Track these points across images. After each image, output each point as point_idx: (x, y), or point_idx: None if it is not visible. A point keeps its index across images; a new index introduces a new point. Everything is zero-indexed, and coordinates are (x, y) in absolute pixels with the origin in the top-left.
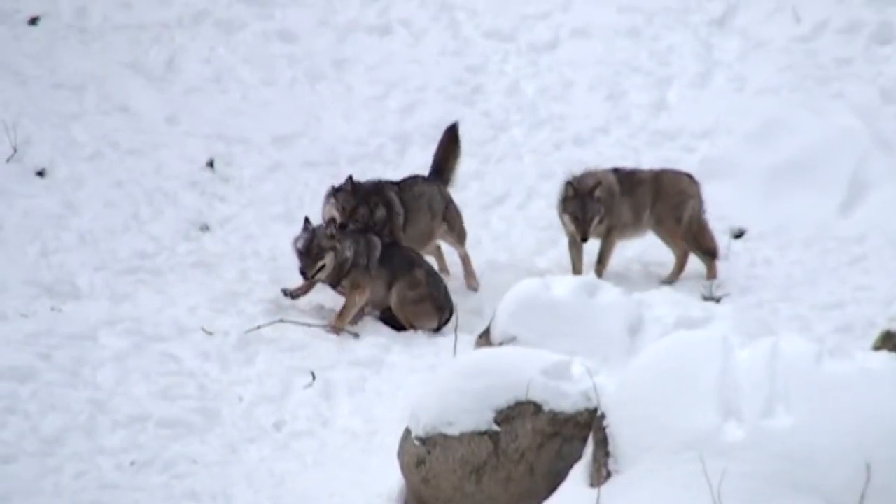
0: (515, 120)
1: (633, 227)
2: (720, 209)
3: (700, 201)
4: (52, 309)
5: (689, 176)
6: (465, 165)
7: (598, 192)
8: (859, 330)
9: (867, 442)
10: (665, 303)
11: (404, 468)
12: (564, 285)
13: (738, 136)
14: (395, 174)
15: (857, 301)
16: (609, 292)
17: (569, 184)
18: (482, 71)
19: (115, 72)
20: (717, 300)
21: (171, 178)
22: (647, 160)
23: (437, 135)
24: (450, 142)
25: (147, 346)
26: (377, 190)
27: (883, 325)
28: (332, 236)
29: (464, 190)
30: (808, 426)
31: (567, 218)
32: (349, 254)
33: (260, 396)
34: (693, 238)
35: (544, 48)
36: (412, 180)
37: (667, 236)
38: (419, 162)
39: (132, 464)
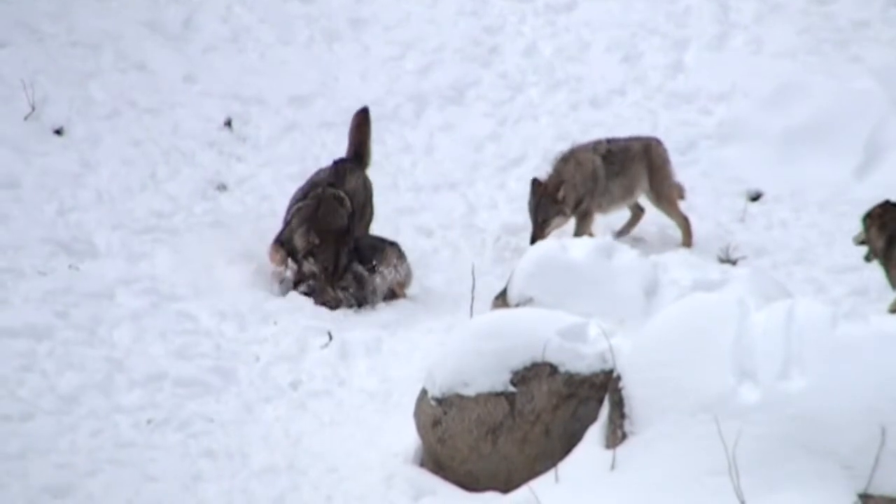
0: (532, 81)
1: (621, 201)
2: (736, 172)
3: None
4: (70, 267)
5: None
6: (482, 127)
7: (561, 193)
8: (874, 293)
9: (882, 405)
10: (681, 265)
11: (420, 428)
12: (581, 247)
13: (755, 98)
14: (413, 134)
15: (872, 264)
16: (626, 254)
17: (534, 180)
18: (499, 31)
19: (132, 30)
20: (734, 262)
21: (189, 137)
22: (664, 122)
23: (455, 95)
24: (364, 124)
25: (164, 305)
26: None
27: None
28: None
29: (480, 151)
30: (823, 389)
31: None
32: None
33: (276, 356)
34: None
35: (561, 9)
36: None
37: (668, 207)
38: (436, 122)
39: (149, 422)
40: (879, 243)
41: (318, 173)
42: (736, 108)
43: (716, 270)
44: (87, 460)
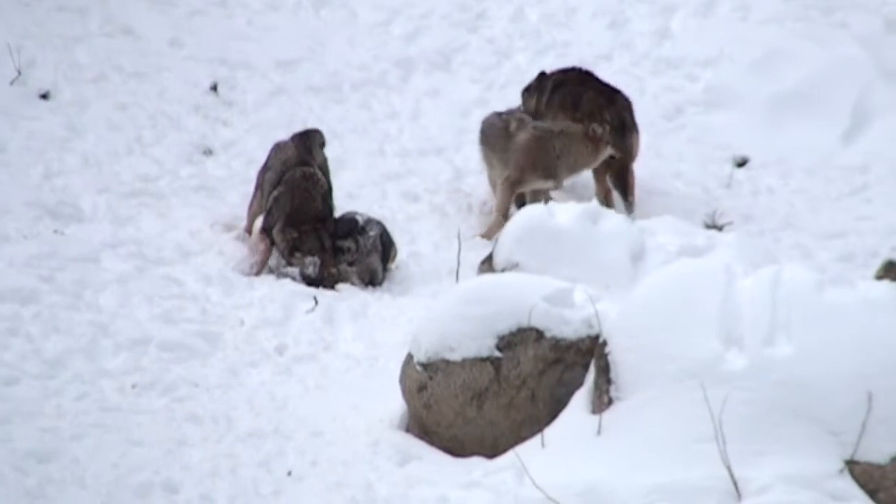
0: (519, 46)
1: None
2: (723, 138)
3: None
4: (55, 231)
5: None
6: (469, 92)
7: None
8: (861, 259)
9: (868, 371)
10: (668, 231)
11: (406, 393)
12: (568, 212)
13: (742, 65)
14: (399, 100)
15: (858, 230)
16: (612, 219)
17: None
18: None
19: None
20: (720, 228)
21: (175, 101)
22: (650, 88)
23: (442, 61)
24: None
25: (149, 269)
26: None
27: (885, 254)
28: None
29: (467, 117)
30: (810, 355)
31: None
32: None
33: (262, 320)
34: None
35: None
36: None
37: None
38: (423, 87)
39: (134, 386)
40: (530, 105)
41: (279, 149)
42: (722, 74)
43: (702, 236)
44: (73, 424)
